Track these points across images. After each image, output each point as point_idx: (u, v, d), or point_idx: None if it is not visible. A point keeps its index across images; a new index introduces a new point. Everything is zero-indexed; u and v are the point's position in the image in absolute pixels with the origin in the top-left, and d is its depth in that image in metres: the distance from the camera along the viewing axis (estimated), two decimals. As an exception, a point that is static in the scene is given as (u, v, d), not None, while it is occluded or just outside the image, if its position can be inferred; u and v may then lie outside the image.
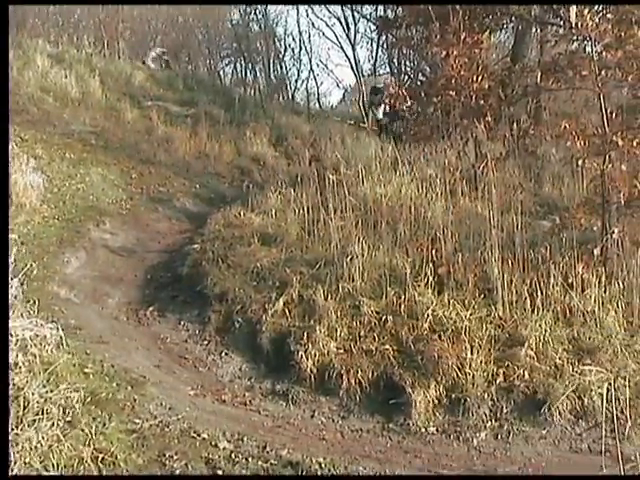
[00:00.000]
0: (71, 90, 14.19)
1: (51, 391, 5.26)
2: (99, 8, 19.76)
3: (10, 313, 5.92)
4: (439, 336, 6.84)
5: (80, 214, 9.68)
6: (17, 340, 5.54)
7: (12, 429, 4.88)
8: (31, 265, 7.43)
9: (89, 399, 5.46)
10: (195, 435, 5.53)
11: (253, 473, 5.20)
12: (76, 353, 6.07)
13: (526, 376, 6.51)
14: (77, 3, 19.41)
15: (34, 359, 5.49)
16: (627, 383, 6.05)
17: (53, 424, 5.02)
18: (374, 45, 19.45)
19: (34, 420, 5.01)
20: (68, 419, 5.16)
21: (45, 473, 4.72)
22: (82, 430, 5.04)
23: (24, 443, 4.66)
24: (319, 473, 5.30)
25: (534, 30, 12.97)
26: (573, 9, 7.73)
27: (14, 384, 5.22)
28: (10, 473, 4.66)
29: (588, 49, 8.39)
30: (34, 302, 6.52)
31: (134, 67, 17.69)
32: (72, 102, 13.79)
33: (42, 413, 5.09)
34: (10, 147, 10.39)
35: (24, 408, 5.08)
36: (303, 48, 21.84)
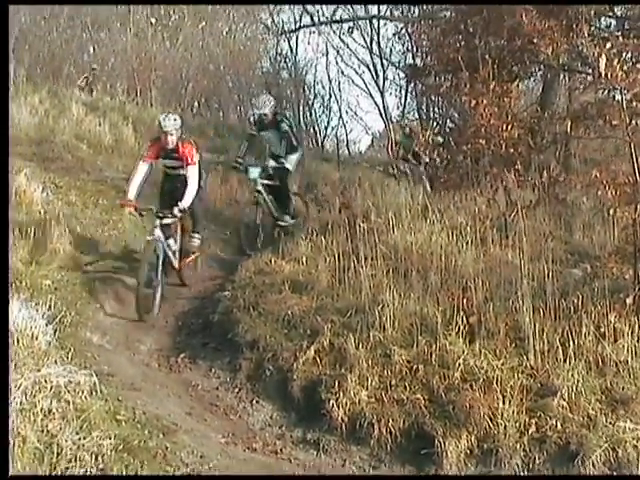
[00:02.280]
0: (105, 138, 14.40)
1: (84, 438, 5.31)
2: (132, 57, 20.13)
3: (44, 360, 6.01)
4: (470, 386, 6.80)
5: (112, 260, 9.77)
6: (51, 387, 5.60)
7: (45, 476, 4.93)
8: (65, 312, 7.53)
9: (121, 446, 5.49)
10: (226, 484, 5.54)
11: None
12: (109, 400, 6.09)
13: (559, 427, 6.45)
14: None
15: (67, 406, 5.55)
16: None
17: (86, 471, 5.05)
18: (403, 92, 19.59)
19: (67, 467, 5.05)
20: (100, 466, 5.19)
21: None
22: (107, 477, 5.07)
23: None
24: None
25: (562, 78, 13.04)
26: (603, 59, 7.76)
27: (48, 431, 5.28)
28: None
29: (617, 97, 8.41)
30: (68, 349, 6.60)
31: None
32: (105, 149, 13.99)
33: (75, 460, 5.13)
34: (45, 194, 10.62)
35: (57, 455, 5.13)
36: (333, 95, 22.05)
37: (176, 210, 9.05)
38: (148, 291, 8.80)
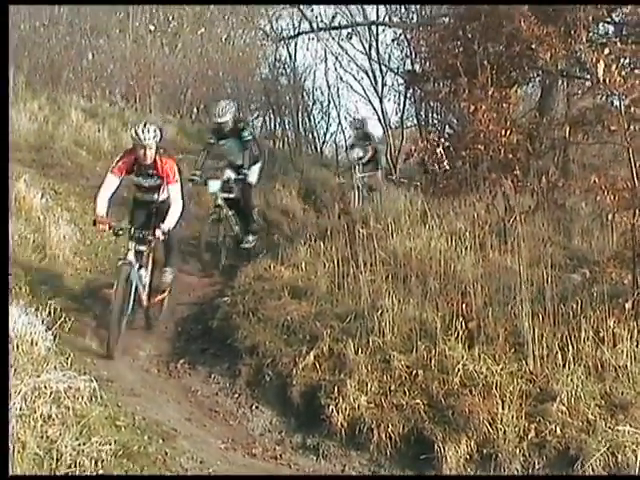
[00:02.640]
0: (104, 144, 14.40)
1: (84, 444, 5.31)
2: (131, 63, 20.13)
3: (44, 365, 6.01)
4: (470, 391, 6.82)
5: (112, 266, 9.77)
6: (51, 392, 5.61)
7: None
8: (64, 318, 7.53)
9: (121, 452, 5.50)
10: (226, 489, 5.54)
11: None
12: (108, 405, 6.10)
13: (558, 431, 6.46)
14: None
15: (67, 411, 5.55)
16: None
17: (85, 477, 5.05)
18: (402, 98, 19.53)
19: (67, 473, 5.04)
20: (100, 472, 5.19)
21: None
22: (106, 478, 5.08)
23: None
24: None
25: (561, 83, 13.05)
26: (601, 65, 7.78)
27: (47, 436, 5.28)
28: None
29: (615, 102, 8.43)
30: (67, 355, 6.60)
31: (165, 121, 17.93)
32: (105, 155, 13.95)
33: (75, 466, 5.13)
34: (44, 200, 10.62)
35: (57, 461, 5.13)
36: (331, 102, 22.04)
37: (159, 232, 8.11)
38: (121, 321, 7.98)
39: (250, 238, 11.50)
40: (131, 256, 8.06)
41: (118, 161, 8.60)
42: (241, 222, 11.43)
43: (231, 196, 11.17)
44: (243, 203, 11.40)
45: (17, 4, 14.93)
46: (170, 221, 8.25)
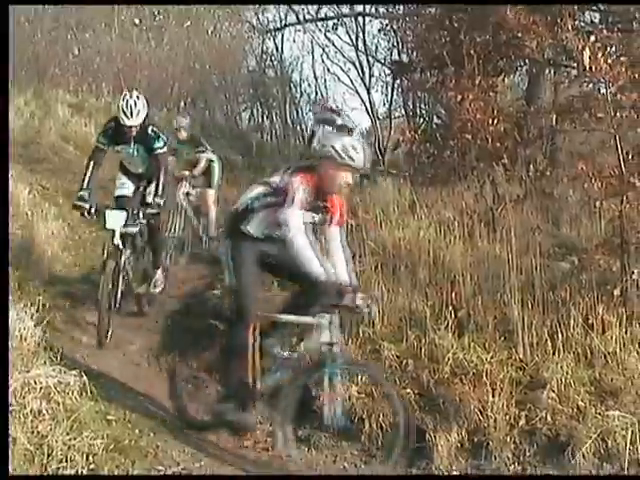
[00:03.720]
0: (91, 139, 14.30)
1: (74, 438, 5.30)
2: (117, 57, 20.09)
3: (34, 361, 6.00)
4: (460, 379, 6.82)
5: (101, 261, 9.74)
6: (41, 388, 5.60)
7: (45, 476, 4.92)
8: (54, 313, 7.52)
9: (112, 446, 5.50)
10: (218, 481, 5.55)
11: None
12: (99, 400, 6.09)
13: (548, 419, 6.46)
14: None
15: (57, 406, 5.54)
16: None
17: (77, 472, 5.05)
18: (389, 89, 19.56)
19: (58, 468, 5.04)
20: (91, 466, 5.19)
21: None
22: (105, 477, 5.07)
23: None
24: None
25: (548, 72, 13.07)
26: (587, 52, 7.80)
27: (38, 432, 5.27)
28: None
29: (602, 90, 8.45)
30: (57, 350, 6.59)
31: (152, 114, 17.88)
32: (92, 150, 13.96)
33: (66, 461, 5.12)
34: (32, 195, 10.59)
35: (48, 456, 5.12)
36: (319, 93, 22.06)
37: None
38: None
39: (148, 287, 8.86)
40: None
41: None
42: (148, 264, 8.95)
43: (135, 230, 8.27)
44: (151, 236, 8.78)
45: (17, 4, 14.86)
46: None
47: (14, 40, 14.81)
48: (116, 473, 5.23)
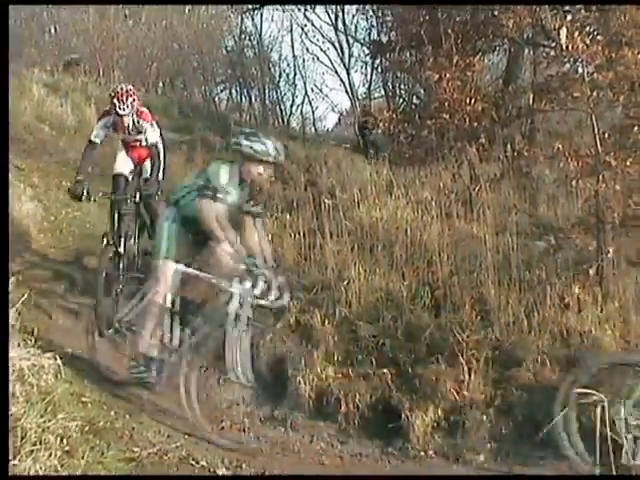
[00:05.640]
0: (67, 119, 14.23)
1: (49, 421, 5.24)
2: (94, 36, 19.88)
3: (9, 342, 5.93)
4: (437, 359, 6.85)
5: (77, 242, 9.67)
6: (14, 370, 5.53)
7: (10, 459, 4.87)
8: (29, 295, 7.44)
9: (87, 428, 5.45)
10: (194, 462, 5.53)
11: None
12: (74, 382, 6.05)
13: (524, 397, 6.51)
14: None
15: (32, 389, 5.48)
16: (624, 403, 6.03)
17: (51, 454, 5.00)
18: (368, 69, 19.52)
19: (32, 450, 4.99)
20: (66, 449, 5.14)
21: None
22: (80, 459, 5.03)
23: (22, 473, 4.65)
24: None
25: (527, 52, 13.06)
26: (564, 31, 7.79)
27: (12, 414, 5.21)
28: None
29: (580, 70, 8.44)
30: (32, 332, 6.54)
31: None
32: (68, 131, 13.81)
33: (40, 443, 5.06)
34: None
35: (22, 438, 5.06)
36: (298, 73, 21.98)
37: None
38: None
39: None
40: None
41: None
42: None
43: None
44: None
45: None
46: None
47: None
48: (90, 456, 5.18)
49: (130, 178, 8.49)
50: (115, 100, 7.99)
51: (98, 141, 8.24)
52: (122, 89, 8.13)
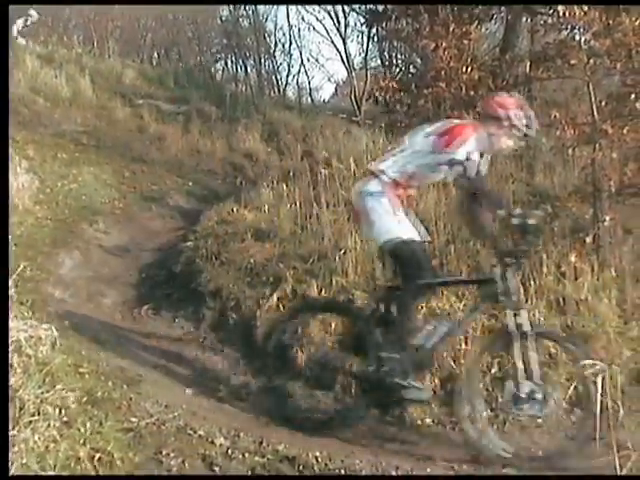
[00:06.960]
0: (61, 90, 14.18)
1: (47, 392, 5.26)
2: (88, 7, 19.74)
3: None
4: (433, 328, 6.85)
5: (73, 214, 9.67)
6: (12, 342, 5.55)
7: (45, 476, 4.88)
8: (25, 266, 7.45)
9: (85, 399, 5.46)
10: (191, 432, 5.53)
11: (250, 468, 5.20)
12: (71, 353, 6.07)
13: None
14: (75, 3, 19.31)
15: (29, 360, 5.49)
16: (621, 371, 6.05)
17: (49, 425, 5.02)
18: (365, 38, 19.38)
19: (30, 421, 5.01)
20: (64, 419, 5.15)
21: (43, 473, 4.74)
22: (78, 430, 5.04)
23: (21, 444, 4.66)
24: (315, 467, 5.30)
25: (524, 19, 12.97)
26: (561, -2, 7.75)
27: (10, 386, 5.23)
28: (10, 473, 4.67)
29: (577, 37, 8.39)
30: (29, 303, 6.55)
31: (124, 65, 17.68)
32: (63, 102, 13.78)
33: (38, 414, 5.08)
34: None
35: (20, 409, 5.08)
36: (294, 42, 21.84)
37: None
38: None
39: None
40: None
41: None
42: None
43: None
44: None
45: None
46: None
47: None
48: (89, 426, 5.20)
49: None
50: None
51: None
52: None
